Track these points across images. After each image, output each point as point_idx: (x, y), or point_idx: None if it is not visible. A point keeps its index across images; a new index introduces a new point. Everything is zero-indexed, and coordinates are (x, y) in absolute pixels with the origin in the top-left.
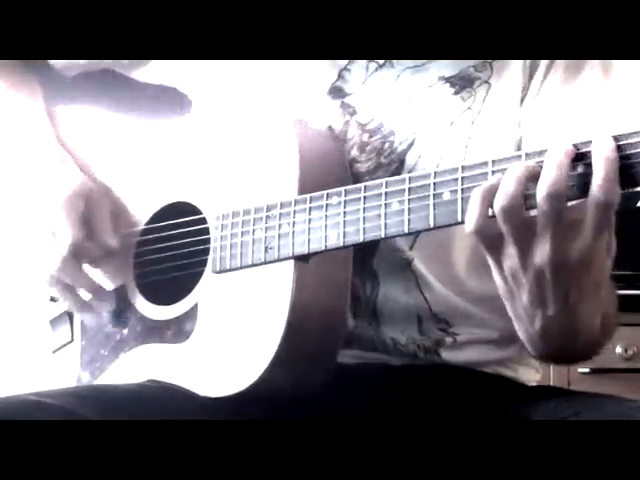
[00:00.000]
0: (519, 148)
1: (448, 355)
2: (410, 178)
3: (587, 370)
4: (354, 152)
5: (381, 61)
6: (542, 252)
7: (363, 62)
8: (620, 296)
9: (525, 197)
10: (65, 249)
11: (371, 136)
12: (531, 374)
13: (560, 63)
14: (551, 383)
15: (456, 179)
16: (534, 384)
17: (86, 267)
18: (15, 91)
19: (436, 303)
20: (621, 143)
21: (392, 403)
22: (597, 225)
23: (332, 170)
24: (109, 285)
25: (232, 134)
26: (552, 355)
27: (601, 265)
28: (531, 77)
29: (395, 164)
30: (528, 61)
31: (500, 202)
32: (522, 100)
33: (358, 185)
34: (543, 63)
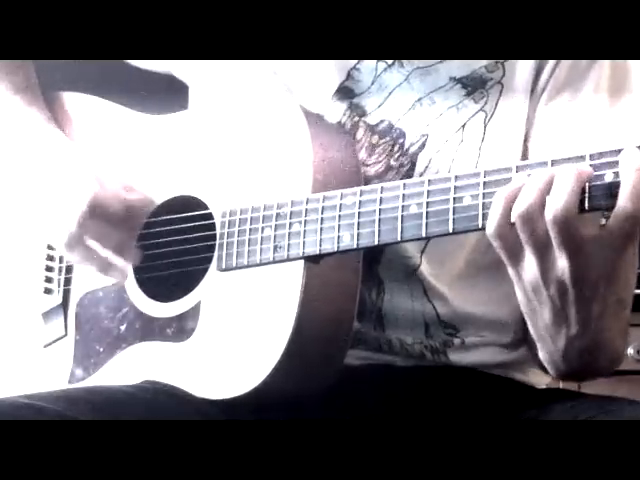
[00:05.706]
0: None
1: (455, 356)
2: (430, 181)
3: None
4: (362, 155)
5: (390, 61)
6: (562, 266)
7: (372, 61)
8: None
9: None
10: (85, 203)
11: (380, 137)
12: (541, 377)
13: (565, 63)
14: (560, 385)
15: (478, 184)
16: (544, 387)
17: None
18: (11, 79)
19: (444, 309)
20: None
21: (398, 405)
22: (623, 237)
23: (346, 168)
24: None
25: (243, 128)
26: (573, 374)
27: (625, 281)
28: (537, 77)
29: (406, 167)
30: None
31: (519, 209)
32: (531, 101)
33: (375, 185)
34: (550, 62)
